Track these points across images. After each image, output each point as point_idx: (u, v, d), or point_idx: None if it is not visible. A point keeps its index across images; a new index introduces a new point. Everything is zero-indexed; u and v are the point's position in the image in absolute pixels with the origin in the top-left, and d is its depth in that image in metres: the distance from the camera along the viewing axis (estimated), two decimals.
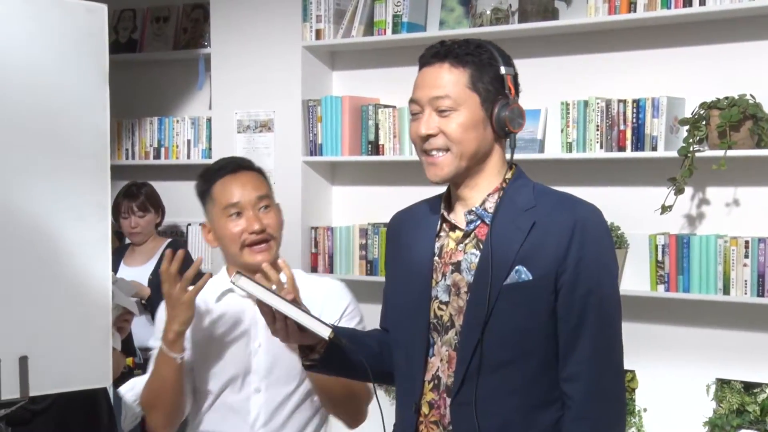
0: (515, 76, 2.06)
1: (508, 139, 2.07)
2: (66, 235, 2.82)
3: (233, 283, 2.06)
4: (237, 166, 2.50)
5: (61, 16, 2.80)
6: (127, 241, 4.63)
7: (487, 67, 2.01)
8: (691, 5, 3.51)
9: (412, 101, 2.06)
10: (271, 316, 2.03)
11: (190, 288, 2.39)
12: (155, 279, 4.31)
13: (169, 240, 4.57)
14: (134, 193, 4.44)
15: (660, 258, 3.58)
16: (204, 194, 2.50)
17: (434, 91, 2.00)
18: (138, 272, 4.32)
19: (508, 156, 2.09)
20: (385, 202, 4.26)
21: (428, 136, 2.01)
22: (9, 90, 2.70)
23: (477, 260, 2.01)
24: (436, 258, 2.08)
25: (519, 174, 2.09)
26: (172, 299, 2.36)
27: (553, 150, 3.82)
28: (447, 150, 2.00)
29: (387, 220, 4.20)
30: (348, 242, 4.26)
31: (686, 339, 3.68)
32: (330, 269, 4.30)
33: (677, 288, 3.55)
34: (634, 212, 3.67)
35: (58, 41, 2.79)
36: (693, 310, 3.65)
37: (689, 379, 3.66)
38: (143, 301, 4.28)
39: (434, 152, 2.02)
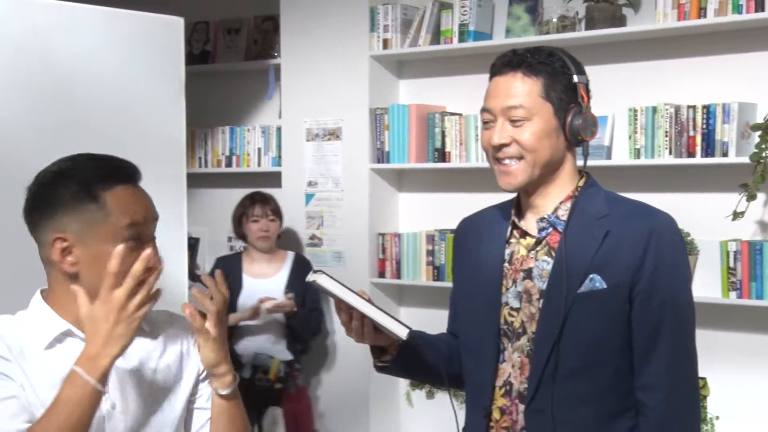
0: (587, 84, 2.04)
1: (579, 147, 2.06)
2: None
3: (312, 282, 2.00)
4: (130, 174, 1.76)
5: (140, 29, 2.86)
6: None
7: (560, 75, 1.99)
8: (763, 10, 3.43)
9: (484, 110, 2.04)
10: (348, 315, 2.02)
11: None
12: (294, 291, 4.20)
13: (294, 253, 4.40)
14: (267, 199, 4.33)
15: (732, 265, 3.51)
16: (84, 196, 1.69)
17: (508, 101, 1.98)
18: (269, 284, 4.22)
19: (579, 163, 2.08)
20: (452, 208, 4.24)
21: (501, 145, 1.99)
22: (91, 100, 2.78)
23: (549, 267, 2.00)
24: (506, 264, 2.07)
25: (591, 182, 2.07)
26: (126, 312, 1.63)
27: (621, 156, 3.77)
28: (520, 158, 1.99)
29: (454, 226, 4.19)
30: (415, 248, 4.25)
31: (759, 346, 3.61)
32: (397, 275, 4.31)
33: (750, 295, 3.48)
34: (705, 219, 3.61)
35: (138, 54, 2.85)
36: (766, 318, 3.57)
37: (762, 387, 3.58)
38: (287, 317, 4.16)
39: (507, 161, 2.00)
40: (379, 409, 4.38)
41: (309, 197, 4.47)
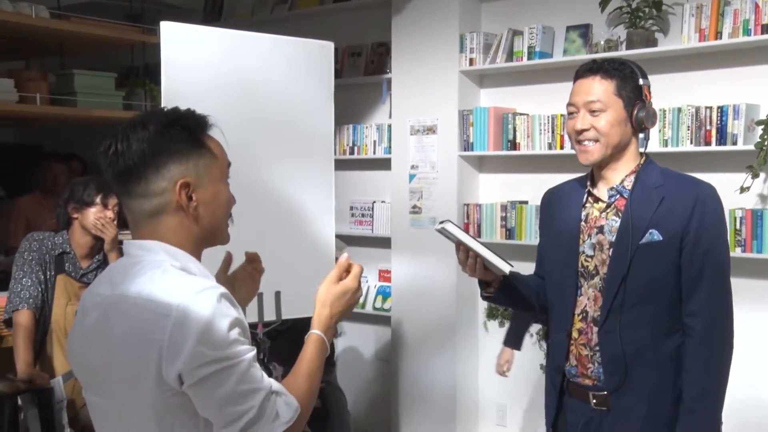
0: (649, 86, 2.03)
1: (642, 134, 2.05)
2: (304, 207, 2.94)
3: (440, 230, 1.99)
4: (209, 123, 1.48)
5: (302, 52, 2.91)
6: None
7: (629, 79, 1.99)
8: (767, 32, 3.34)
9: (570, 104, 2.05)
10: (465, 254, 2.05)
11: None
12: None
13: None
14: None
15: (738, 227, 3.44)
16: (195, 141, 1.43)
17: (588, 97, 1.99)
18: None
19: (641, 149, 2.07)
20: (521, 185, 4.25)
21: (582, 131, 2.00)
22: (268, 104, 2.83)
23: (617, 225, 2.00)
24: (583, 223, 2.08)
25: (649, 160, 2.07)
26: (357, 286, 1.57)
27: (653, 145, 3.70)
28: (596, 141, 1.99)
29: (522, 198, 4.21)
30: (492, 215, 4.24)
31: (759, 290, 3.54)
32: (478, 235, 4.28)
33: (752, 250, 3.41)
34: (719, 192, 3.53)
35: (302, 70, 2.90)
36: (765, 267, 3.50)
37: (762, 321, 3.54)
38: None
39: (586, 142, 2.01)
40: (463, 334, 4.40)
41: (412, 177, 4.49)
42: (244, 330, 1.37)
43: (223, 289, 1.36)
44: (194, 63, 2.59)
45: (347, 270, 1.58)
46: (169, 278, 1.36)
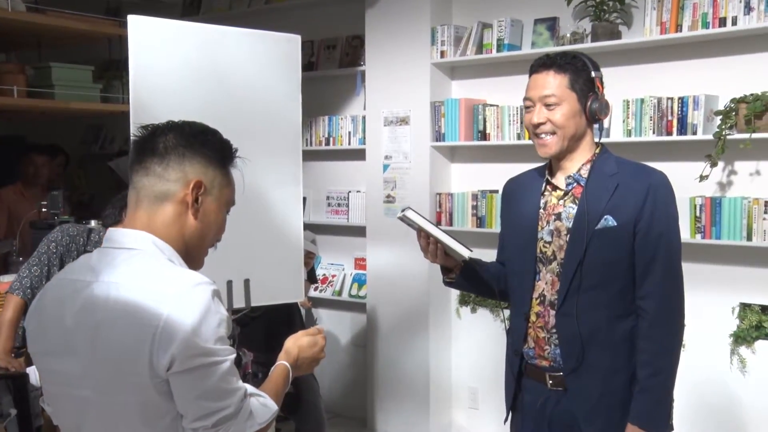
0: (602, 78, 2.02)
1: (596, 124, 2.05)
2: (272, 196, 2.91)
3: (401, 218, 1.99)
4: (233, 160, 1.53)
5: (270, 44, 2.88)
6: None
7: (582, 72, 1.98)
8: (725, 25, 3.35)
9: (526, 99, 2.04)
10: (426, 241, 2.05)
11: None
12: None
13: None
14: None
15: (698, 214, 3.46)
16: (223, 161, 1.47)
17: (543, 92, 1.98)
18: None
19: (596, 138, 2.06)
20: (491, 174, 4.24)
21: (539, 124, 1.99)
22: (239, 95, 2.80)
23: (574, 211, 2.00)
24: (541, 210, 2.08)
25: (605, 150, 2.07)
26: (319, 355, 1.70)
27: (617, 135, 3.71)
28: (553, 133, 1.99)
29: (493, 188, 4.21)
30: (463, 204, 4.24)
31: (717, 274, 3.56)
32: (450, 223, 4.28)
33: (711, 236, 3.43)
34: (679, 180, 3.40)
35: (269, 63, 2.87)
36: (723, 252, 3.52)
37: (719, 304, 3.54)
38: None
39: (543, 135, 2.00)
40: (436, 320, 4.41)
41: (385, 167, 4.47)
42: (228, 329, 1.38)
43: (215, 286, 1.37)
44: (162, 56, 2.56)
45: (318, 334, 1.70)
46: (164, 269, 1.36)
